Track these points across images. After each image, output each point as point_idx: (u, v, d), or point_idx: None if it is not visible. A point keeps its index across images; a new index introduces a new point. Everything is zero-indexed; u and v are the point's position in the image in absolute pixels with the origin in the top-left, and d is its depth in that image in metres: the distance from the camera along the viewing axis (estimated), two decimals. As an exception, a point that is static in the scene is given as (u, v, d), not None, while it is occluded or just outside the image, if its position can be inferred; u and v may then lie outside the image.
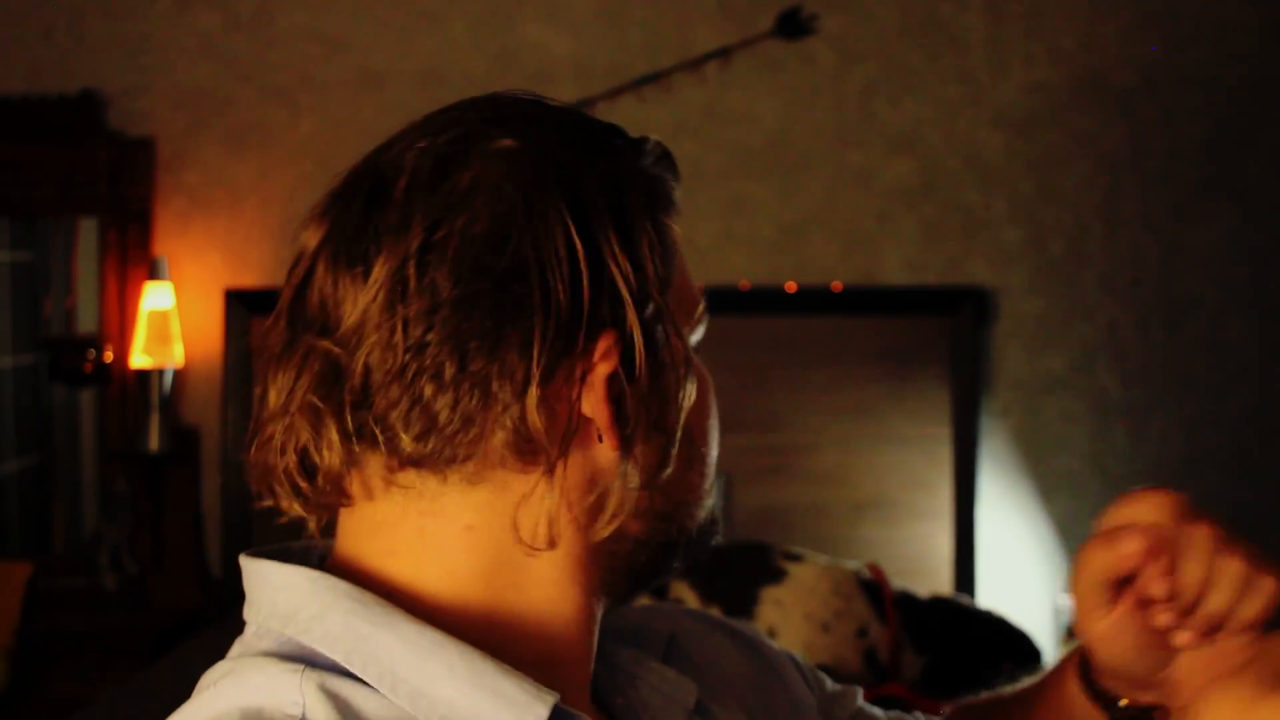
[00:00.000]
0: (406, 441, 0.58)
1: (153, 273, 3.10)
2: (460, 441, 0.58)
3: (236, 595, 0.65)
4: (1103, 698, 0.75)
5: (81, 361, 3.20)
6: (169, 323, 3.08)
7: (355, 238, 0.60)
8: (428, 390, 0.57)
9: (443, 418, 0.57)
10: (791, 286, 3.18)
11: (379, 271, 0.58)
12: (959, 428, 3.15)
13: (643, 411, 0.61)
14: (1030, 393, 3.22)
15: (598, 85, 3.15)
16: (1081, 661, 0.77)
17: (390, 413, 0.57)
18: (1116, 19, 3.21)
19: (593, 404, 0.59)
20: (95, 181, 3.16)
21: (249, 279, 3.19)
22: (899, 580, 2.87)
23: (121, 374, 3.17)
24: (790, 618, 2.55)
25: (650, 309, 0.61)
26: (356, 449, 0.59)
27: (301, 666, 0.57)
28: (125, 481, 3.15)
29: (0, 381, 3.35)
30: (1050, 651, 3.14)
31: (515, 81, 3.13)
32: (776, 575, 2.62)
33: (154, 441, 3.07)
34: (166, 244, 3.21)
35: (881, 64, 3.21)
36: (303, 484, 0.61)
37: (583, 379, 0.59)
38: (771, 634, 2.47)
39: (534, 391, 0.57)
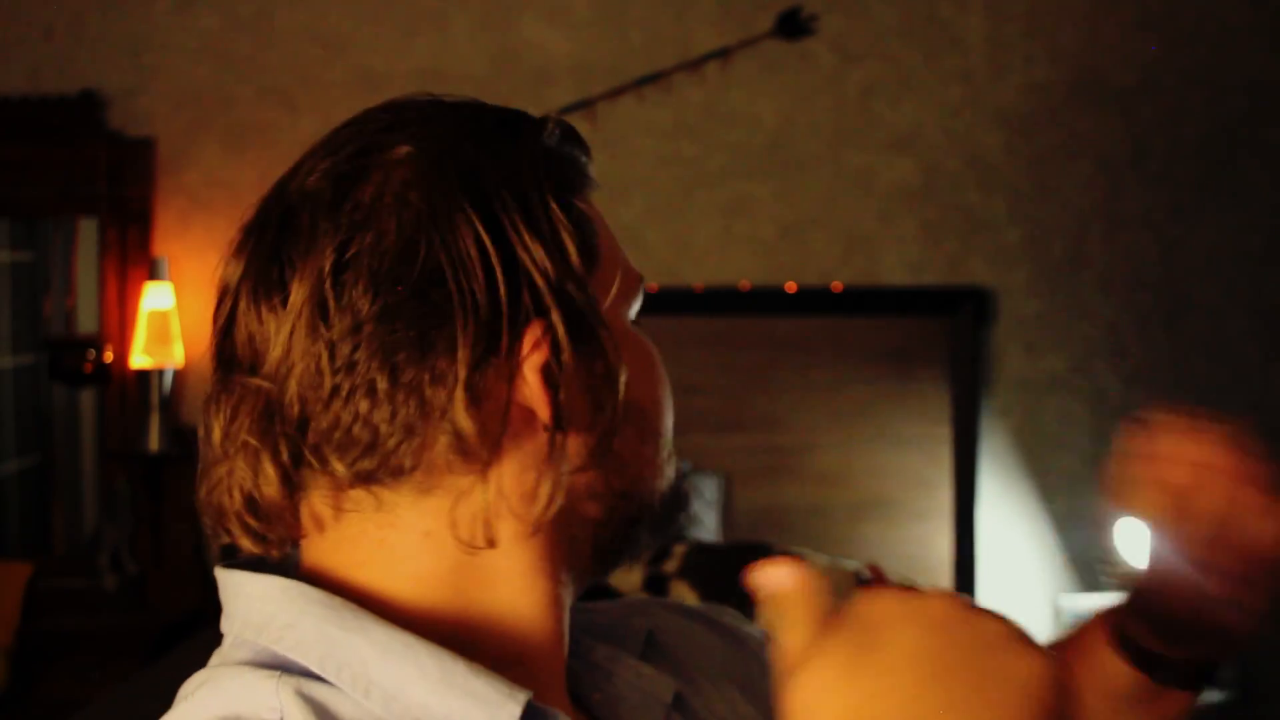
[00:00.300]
0: (350, 460, 0.58)
1: (153, 273, 3.10)
2: (405, 452, 0.58)
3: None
4: (1144, 654, 0.77)
5: (81, 361, 3.19)
6: (169, 323, 3.08)
7: (270, 268, 0.60)
8: (363, 406, 0.57)
9: (384, 430, 0.57)
10: (791, 286, 3.18)
11: (296, 298, 0.58)
12: (959, 428, 3.15)
13: (581, 395, 0.61)
14: (1030, 393, 3.22)
15: (598, 85, 3.15)
16: (1114, 622, 0.78)
17: (333, 434, 0.58)
18: (1116, 19, 3.21)
19: (530, 396, 0.60)
20: (95, 181, 3.16)
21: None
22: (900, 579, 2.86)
23: (121, 374, 3.17)
24: None
25: (571, 292, 0.60)
26: (297, 480, 0.60)
27: (277, 673, 0.57)
28: (125, 481, 3.15)
29: (0, 381, 3.35)
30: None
31: (515, 81, 3.15)
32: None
33: (154, 441, 3.07)
34: (166, 244, 3.21)
35: (881, 64, 3.21)
36: (253, 523, 0.61)
37: (514, 373, 0.59)
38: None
39: (460, 394, 0.57)
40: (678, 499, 0.69)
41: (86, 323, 3.28)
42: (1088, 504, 3.17)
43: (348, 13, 3.21)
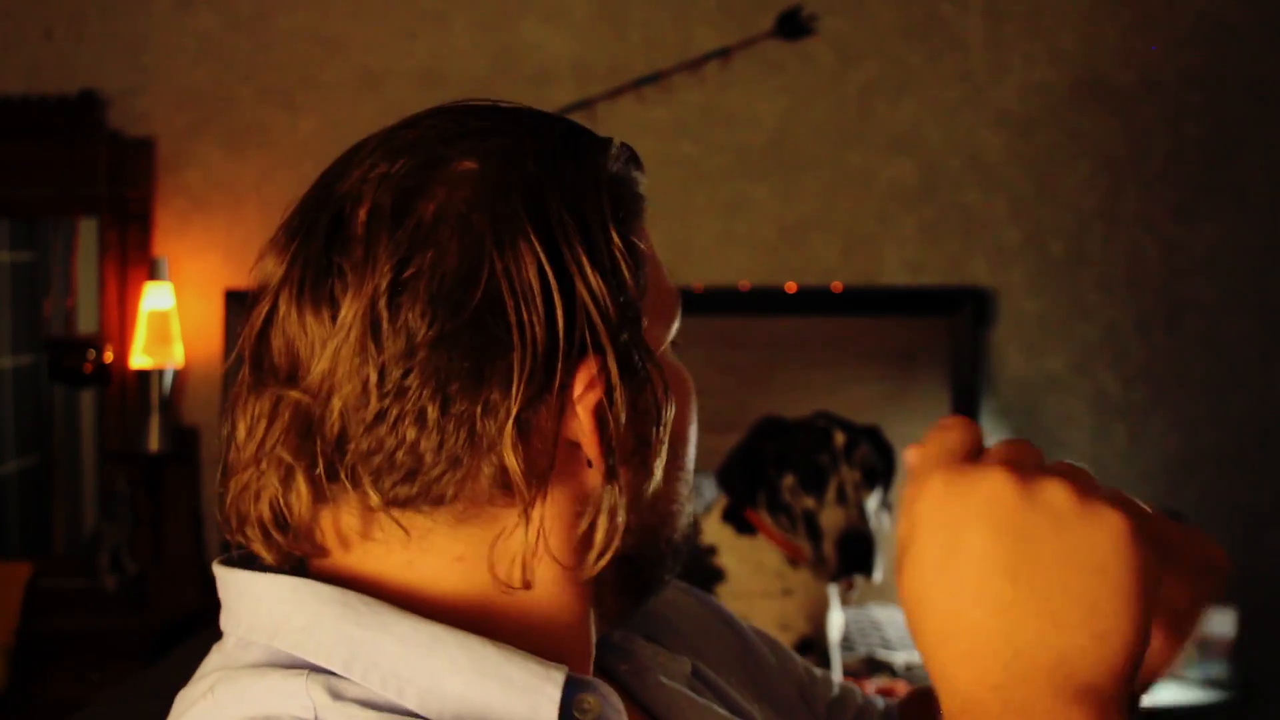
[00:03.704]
0: (388, 485, 0.56)
1: (153, 273, 3.10)
2: (448, 482, 0.57)
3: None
4: None
5: (81, 361, 3.19)
6: (169, 323, 3.08)
7: (319, 277, 0.58)
8: (410, 434, 0.56)
9: (429, 459, 0.56)
10: (791, 287, 3.18)
11: (347, 313, 0.56)
12: (959, 428, 3.14)
13: (628, 434, 0.59)
14: (1030, 393, 3.22)
15: (598, 85, 3.15)
16: None
17: (372, 458, 0.56)
18: (1116, 19, 3.21)
19: (580, 432, 0.58)
20: (95, 181, 3.16)
21: (249, 279, 3.18)
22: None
23: (121, 374, 3.17)
24: None
25: (627, 330, 0.59)
26: (329, 497, 0.58)
27: (305, 672, 0.55)
28: (125, 481, 3.15)
29: (0, 381, 3.35)
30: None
31: (515, 81, 3.15)
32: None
33: (154, 441, 3.07)
34: (166, 244, 3.21)
35: (881, 64, 3.21)
36: (276, 535, 0.59)
37: (565, 410, 0.58)
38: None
39: (509, 430, 0.56)
40: (692, 532, 0.68)
41: (86, 323, 3.28)
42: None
43: (348, 13, 3.21)
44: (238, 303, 3.16)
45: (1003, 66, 3.21)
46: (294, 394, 0.57)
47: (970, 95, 3.21)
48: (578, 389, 0.58)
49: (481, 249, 0.56)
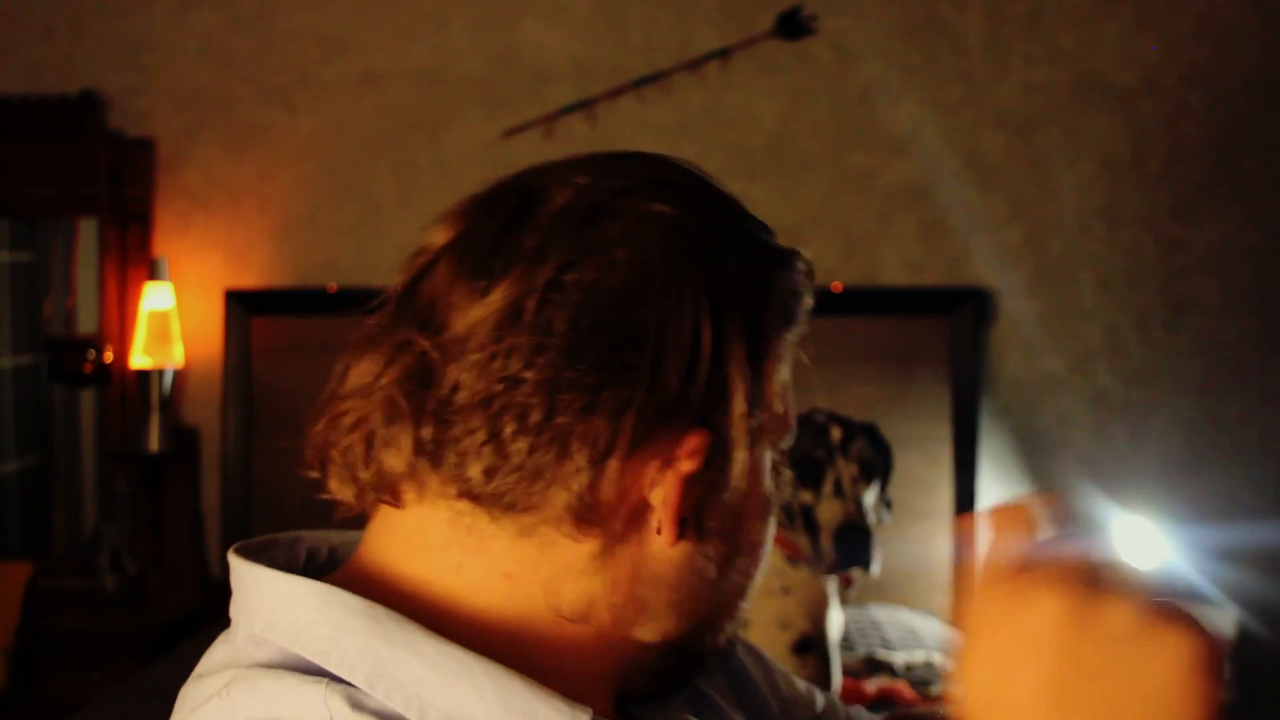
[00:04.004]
0: (474, 472, 0.56)
1: (153, 273, 3.10)
2: (525, 490, 0.56)
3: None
4: None
5: (81, 362, 3.19)
6: (169, 323, 3.08)
7: (487, 250, 0.58)
8: (508, 428, 0.55)
9: (515, 461, 0.55)
10: (791, 286, 3.17)
11: (500, 293, 0.56)
12: (959, 428, 3.15)
13: (712, 520, 0.59)
14: (1030, 393, 3.22)
15: (598, 85, 3.15)
16: None
17: (465, 439, 0.56)
18: (1116, 19, 3.21)
19: (663, 496, 0.58)
20: (95, 181, 3.16)
21: (249, 279, 3.19)
22: (900, 580, 2.86)
23: (121, 374, 3.17)
24: None
25: (754, 424, 0.59)
26: (419, 460, 0.58)
27: (324, 680, 0.55)
28: (125, 481, 3.15)
29: (0, 381, 3.35)
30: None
31: (515, 81, 3.15)
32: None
33: (154, 441, 3.07)
34: (166, 244, 3.21)
35: (881, 64, 3.21)
36: (360, 471, 0.59)
37: (663, 467, 0.57)
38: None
39: (614, 462, 0.55)
40: (735, 635, 0.66)
41: (86, 323, 3.28)
42: (1087, 504, 3.16)
43: (348, 13, 3.21)
44: (238, 302, 3.16)
45: (1003, 66, 3.21)
46: (424, 340, 0.57)
47: (970, 95, 3.21)
48: (682, 452, 0.57)
49: (648, 284, 0.56)
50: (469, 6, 3.19)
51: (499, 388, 0.55)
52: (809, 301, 0.65)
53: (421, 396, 0.57)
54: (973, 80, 3.21)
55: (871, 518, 2.04)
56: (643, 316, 0.56)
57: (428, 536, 0.59)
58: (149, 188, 3.19)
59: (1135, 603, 0.47)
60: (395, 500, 0.60)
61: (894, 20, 3.20)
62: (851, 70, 3.21)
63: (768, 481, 0.65)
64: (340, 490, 0.60)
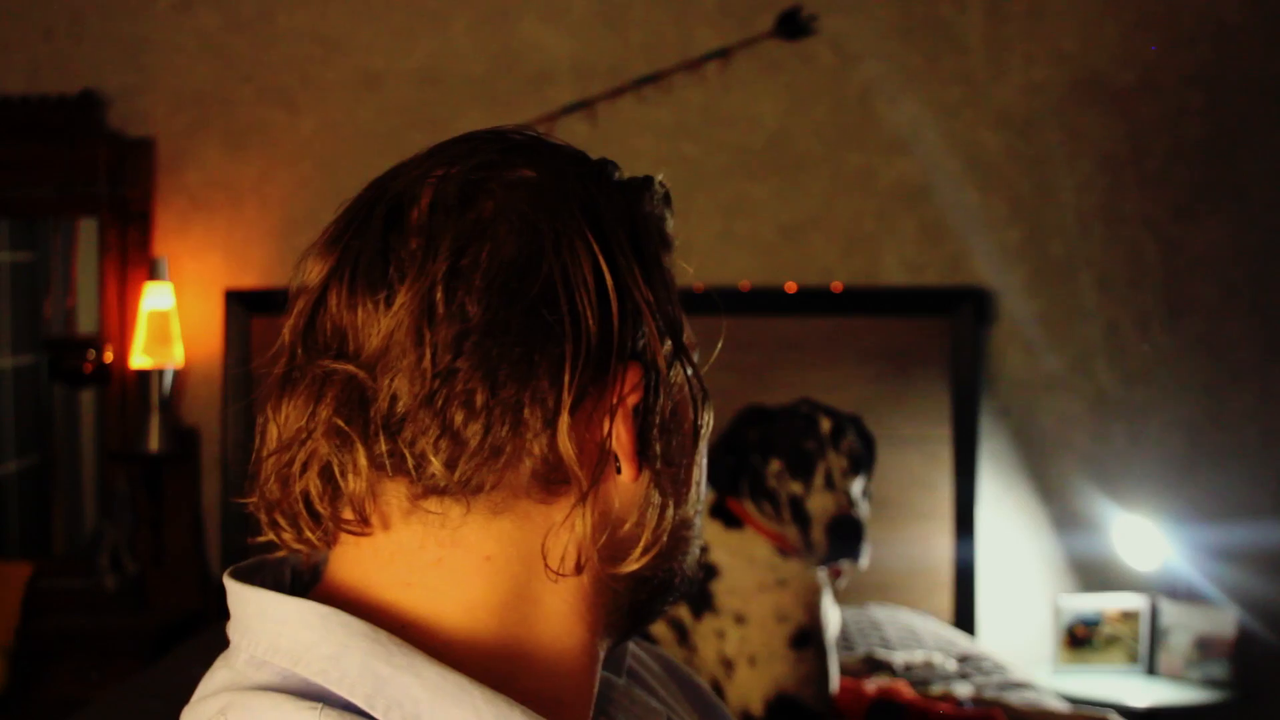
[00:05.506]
0: (436, 468, 0.57)
1: (153, 273, 3.10)
2: (489, 469, 0.57)
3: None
4: None
5: (81, 361, 3.20)
6: (169, 323, 3.09)
7: (374, 264, 0.59)
8: (458, 417, 0.56)
9: (472, 445, 0.57)
10: (791, 287, 3.18)
11: (404, 297, 0.57)
12: (959, 428, 3.15)
13: (663, 444, 0.61)
14: (1030, 393, 3.22)
15: (598, 85, 3.15)
16: None
17: (420, 439, 0.57)
18: (1116, 19, 3.21)
19: (617, 435, 0.60)
20: (95, 181, 3.16)
21: (249, 279, 3.19)
22: (900, 580, 2.86)
23: (121, 374, 3.17)
24: None
25: (673, 340, 0.61)
26: (379, 475, 0.58)
27: (319, 705, 0.55)
28: (125, 481, 3.15)
29: (0, 381, 3.35)
30: (1051, 652, 3.14)
31: (515, 81, 3.15)
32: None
33: (154, 441, 3.07)
34: (166, 244, 3.21)
35: (881, 64, 3.21)
36: (322, 509, 0.59)
37: (613, 409, 0.59)
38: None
39: (564, 419, 0.57)
40: (699, 561, 0.69)
41: (86, 323, 3.28)
42: (1088, 504, 3.17)
43: (348, 13, 3.21)
44: (238, 302, 3.16)
45: (1003, 66, 3.21)
46: (345, 366, 0.58)
47: (970, 95, 3.21)
48: (625, 389, 0.59)
49: (539, 245, 0.58)
50: (469, 6, 3.20)
51: (436, 383, 0.57)
52: (672, 221, 0.67)
53: (364, 417, 0.58)
54: (972, 80, 3.21)
55: (860, 509, 2.04)
56: (546, 275, 0.58)
57: (403, 544, 0.60)
58: (149, 187, 3.19)
59: None
60: (365, 527, 0.60)
61: (894, 20, 3.20)
62: (851, 70, 3.21)
63: (693, 407, 0.66)
64: (295, 542, 0.61)
